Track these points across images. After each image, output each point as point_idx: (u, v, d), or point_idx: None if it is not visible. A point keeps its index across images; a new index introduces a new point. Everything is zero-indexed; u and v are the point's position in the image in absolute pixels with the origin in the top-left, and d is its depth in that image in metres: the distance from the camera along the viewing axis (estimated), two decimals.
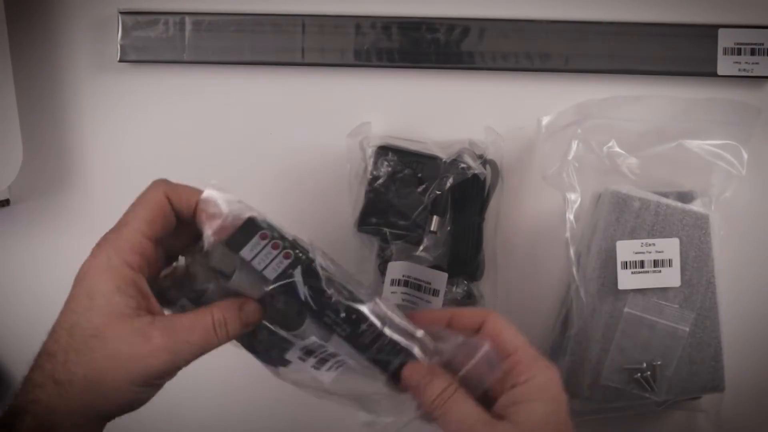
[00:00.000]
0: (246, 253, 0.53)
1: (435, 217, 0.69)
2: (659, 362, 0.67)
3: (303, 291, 0.54)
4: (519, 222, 0.73)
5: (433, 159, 0.68)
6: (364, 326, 0.55)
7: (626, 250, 0.67)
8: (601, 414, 0.69)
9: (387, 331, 0.55)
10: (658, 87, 0.72)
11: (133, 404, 0.51)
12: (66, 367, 0.49)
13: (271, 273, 0.53)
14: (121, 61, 0.72)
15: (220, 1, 0.72)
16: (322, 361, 0.55)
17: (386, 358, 0.55)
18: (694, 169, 0.69)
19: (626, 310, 0.67)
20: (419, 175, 0.68)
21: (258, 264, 0.53)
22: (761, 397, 0.73)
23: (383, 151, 0.69)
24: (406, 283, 0.69)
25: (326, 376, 0.56)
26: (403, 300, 0.69)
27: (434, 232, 0.69)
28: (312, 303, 0.54)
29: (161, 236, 0.52)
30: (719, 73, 0.71)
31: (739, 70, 0.71)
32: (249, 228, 0.53)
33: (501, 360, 0.53)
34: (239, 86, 0.73)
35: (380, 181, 0.68)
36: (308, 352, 0.55)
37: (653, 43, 0.72)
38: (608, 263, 0.67)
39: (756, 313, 0.73)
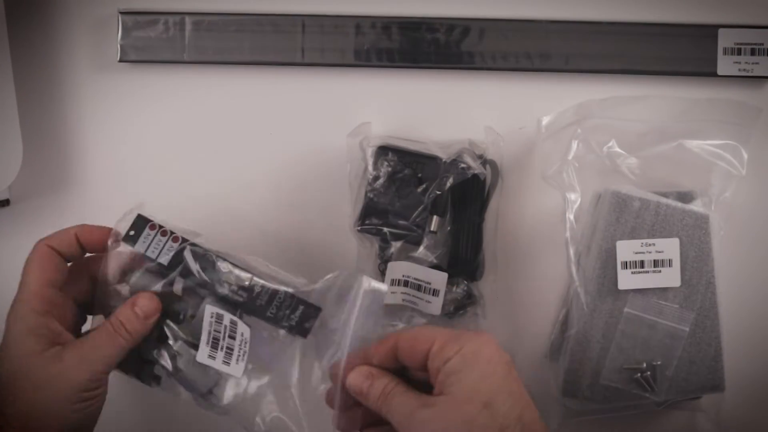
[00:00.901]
0: (140, 246, 0.59)
1: (435, 217, 0.69)
2: (659, 362, 0.67)
3: (195, 267, 0.59)
4: (519, 222, 0.73)
5: (433, 159, 0.68)
6: (258, 288, 0.59)
7: (626, 250, 0.67)
8: (601, 414, 0.69)
9: (280, 288, 0.60)
10: (658, 87, 0.72)
11: (81, 422, 0.56)
12: (2, 411, 0.54)
13: (165, 258, 0.59)
14: (121, 61, 0.72)
15: (220, 1, 0.72)
16: (229, 351, 0.59)
17: (285, 313, 0.60)
18: (694, 169, 0.69)
19: (626, 310, 0.67)
20: (419, 175, 0.68)
21: (152, 253, 0.59)
22: (761, 397, 0.73)
23: (383, 151, 0.69)
24: (406, 283, 0.69)
25: (237, 368, 0.59)
26: (403, 300, 0.69)
27: (434, 232, 0.69)
28: (205, 276, 0.59)
29: (59, 279, 0.59)
30: (719, 73, 0.71)
31: (739, 70, 0.71)
32: (139, 223, 0.60)
33: (424, 352, 0.55)
34: (239, 86, 0.73)
35: (380, 181, 0.68)
36: (214, 343, 0.58)
37: (653, 43, 0.72)
38: (608, 263, 0.67)
39: (756, 313, 0.73)
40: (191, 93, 0.73)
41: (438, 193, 0.68)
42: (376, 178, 0.68)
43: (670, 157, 0.69)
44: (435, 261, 0.69)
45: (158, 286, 0.59)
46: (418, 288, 0.69)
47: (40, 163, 0.73)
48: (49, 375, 0.54)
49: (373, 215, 0.69)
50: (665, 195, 0.68)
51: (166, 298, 0.59)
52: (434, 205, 0.68)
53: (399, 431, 0.54)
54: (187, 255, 0.59)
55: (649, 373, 0.67)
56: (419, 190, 0.68)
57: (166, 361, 0.59)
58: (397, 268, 0.69)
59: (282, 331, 0.61)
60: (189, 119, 0.73)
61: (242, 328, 0.59)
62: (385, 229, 0.68)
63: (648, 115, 0.70)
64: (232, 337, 0.59)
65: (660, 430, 0.73)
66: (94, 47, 0.73)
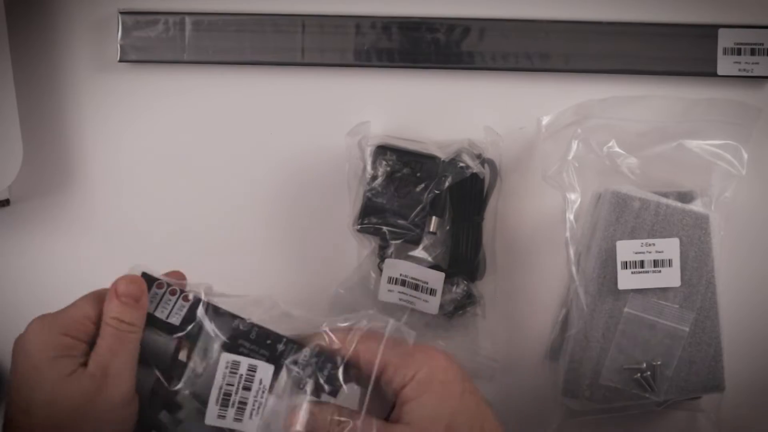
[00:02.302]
0: (149, 306, 0.55)
1: (434, 218, 0.69)
2: (659, 362, 0.67)
3: (211, 327, 0.55)
4: (519, 222, 0.73)
5: (431, 158, 0.68)
6: (281, 345, 0.55)
7: (626, 250, 0.67)
8: (601, 414, 0.69)
9: (304, 346, 0.54)
10: (658, 87, 0.72)
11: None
12: None
13: (176, 318, 0.55)
14: (121, 61, 0.72)
15: (220, 1, 0.72)
16: (241, 407, 0.54)
17: (311, 375, 0.54)
18: (694, 169, 0.69)
19: (626, 310, 0.67)
20: (418, 174, 0.68)
21: (161, 313, 0.55)
22: (761, 397, 0.73)
23: (382, 150, 0.69)
24: (403, 283, 0.69)
25: (251, 425, 0.54)
26: (400, 300, 0.69)
27: (433, 233, 0.69)
28: (222, 335, 0.54)
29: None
30: (719, 73, 0.71)
31: (739, 70, 0.71)
32: (145, 282, 0.55)
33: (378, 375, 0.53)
34: (239, 86, 0.73)
35: (379, 180, 0.68)
36: (225, 400, 0.54)
37: (653, 43, 0.72)
38: (608, 263, 0.67)
39: (756, 313, 0.73)
40: (191, 93, 0.73)
41: (437, 192, 0.68)
42: (374, 177, 0.68)
43: (670, 157, 0.69)
44: (434, 261, 0.69)
45: (170, 346, 0.55)
46: (416, 287, 0.69)
47: (40, 163, 0.73)
48: (85, 397, 0.51)
49: (372, 215, 0.69)
50: (665, 195, 0.68)
51: (174, 359, 0.55)
52: (433, 204, 0.68)
53: None
54: (201, 314, 0.55)
55: (649, 373, 0.67)
56: (418, 189, 0.68)
57: (171, 425, 0.55)
58: (394, 267, 0.69)
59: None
60: (189, 119, 0.73)
61: (262, 373, 0.54)
62: (384, 229, 0.68)
63: (648, 115, 0.70)
64: (247, 388, 0.54)
65: (660, 430, 0.73)
66: (94, 47, 0.73)
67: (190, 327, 0.55)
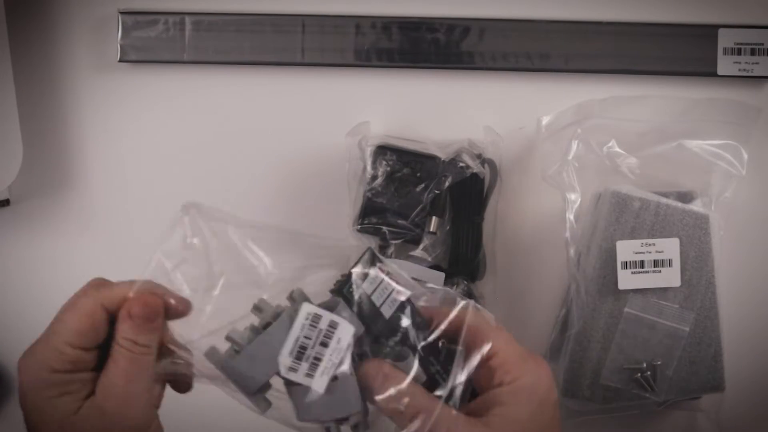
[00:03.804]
0: (367, 286, 0.51)
1: (434, 218, 0.69)
2: (659, 362, 0.67)
3: (413, 334, 0.51)
4: (519, 222, 0.73)
5: (431, 158, 0.68)
6: (457, 379, 0.51)
7: (626, 250, 0.67)
8: (601, 414, 0.69)
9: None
10: (658, 87, 0.72)
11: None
12: None
13: (387, 311, 0.51)
14: (121, 61, 0.72)
15: (220, 1, 0.72)
16: (315, 362, 0.50)
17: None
18: (694, 169, 0.69)
19: (626, 310, 0.67)
20: (418, 174, 0.68)
21: (377, 299, 0.51)
22: (761, 397, 0.73)
23: (382, 150, 0.69)
24: None
25: (320, 382, 0.49)
26: None
27: (433, 233, 0.69)
28: (420, 347, 0.51)
29: (91, 345, 0.50)
30: (719, 73, 0.71)
31: (739, 70, 0.71)
32: (369, 260, 0.51)
33: (484, 359, 0.50)
34: (239, 86, 0.73)
35: (379, 180, 0.68)
36: (300, 352, 0.50)
37: (653, 43, 0.72)
38: (608, 263, 0.67)
39: (756, 313, 0.73)
40: (191, 93, 0.73)
41: (437, 192, 0.68)
42: (374, 177, 0.68)
43: (670, 157, 0.69)
44: (434, 261, 0.69)
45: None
46: None
47: (40, 163, 0.73)
48: (98, 430, 0.49)
49: (372, 215, 0.69)
50: (665, 195, 0.68)
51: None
52: (433, 204, 0.68)
53: None
54: (406, 316, 0.51)
55: (649, 373, 0.67)
56: (418, 189, 0.68)
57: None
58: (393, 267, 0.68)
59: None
60: (189, 119, 0.73)
61: (342, 332, 0.50)
62: (384, 229, 0.69)
63: (648, 115, 0.70)
64: (324, 344, 0.49)
65: (660, 430, 0.73)
66: (94, 47, 0.73)
67: (395, 322, 0.51)
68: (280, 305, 0.51)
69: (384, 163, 0.68)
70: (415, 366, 0.50)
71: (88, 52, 0.73)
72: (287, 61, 0.72)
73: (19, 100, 0.70)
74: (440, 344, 0.52)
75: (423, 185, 0.68)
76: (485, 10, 0.72)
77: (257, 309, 0.51)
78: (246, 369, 0.49)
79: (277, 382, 0.51)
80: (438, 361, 0.52)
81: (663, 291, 0.67)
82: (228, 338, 0.50)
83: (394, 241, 0.69)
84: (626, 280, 0.67)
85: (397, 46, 0.72)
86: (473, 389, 0.51)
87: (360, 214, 0.69)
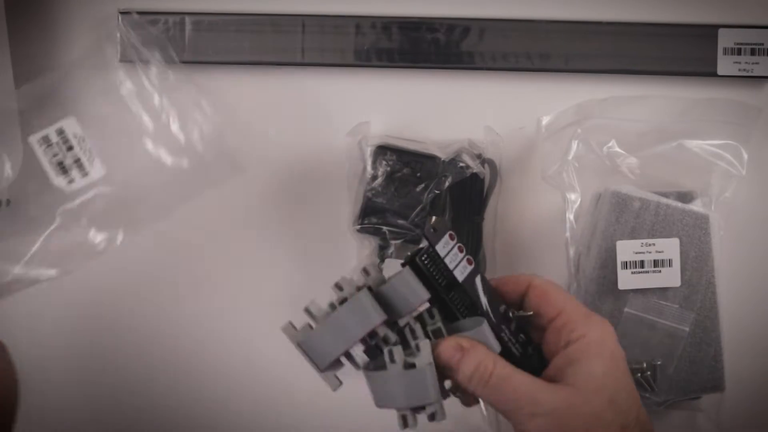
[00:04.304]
0: (440, 248, 0.52)
1: (434, 218, 0.69)
2: (659, 362, 0.67)
3: (484, 301, 0.52)
4: (519, 222, 0.73)
5: (431, 158, 0.68)
6: (530, 349, 0.53)
7: (626, 250, 0.67)
8: None
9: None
10: (658, 87, 0.72)
11: None
12: None
13: (459, 275, 0.52)
14: (121, 61, 0.72)
15: (220, 1, 0.72)
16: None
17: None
18: (694, 169, 0.69)
19: (626, 310, 0.67)
20: (418, 174, 0.68)
21: (450, 262, 0.52)
22: (761, 397, 0.73)
23: (382, 150, 0.69)
24: None
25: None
26: None
27: None
28: (492, 316, 0.52)
29: None
30: (719, 73, 0.71)
31: (739, 70, 0.71)
32: (441, 225, 0.52)
33: (549, 320, 0.52)
34: (239, 86, 0.73)
35: (379, 180, 0.68)
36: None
37: (653, 43, 0.72)
38: (608, 263, 0.67)
39: (756, 313, 0.73)
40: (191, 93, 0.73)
41: (437, 192, 0.68)
42: (374, 177, 0.68)
43: (670, 157, 0.69)
44: None
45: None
46: None
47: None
48: None
49: (372, 215, 0.69)
50: (665, 195, 0.68)
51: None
52: (433, 204, 0.68)
53: (508, 416, 0.50)
54: (478, 283, 0.52)
55: (649, 373, 0.67)
56: (418, 189, 0.68)
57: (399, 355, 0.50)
58: (394, 267, 0.68)
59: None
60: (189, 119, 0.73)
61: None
62: (384, 229, 0.69)
63: (648, 115, 0.70)
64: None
65: (660, 430, 0.73)
66: (94, 47, 0.73)
67: (467, 286, 0.52)
68: (360, 284, 0.52)
69: (384, 163, 0.68)
70: (489, 334, 0.51)
71: (88, 52, 0.73)
72: (287, 61, 0.72)
73: (19, 100, 0.70)
74: (511, 313, 0.53)
75: (423, 185, 0.68)
76: (485, 10, 0.72)
77: (338, 287, 0.52)
78: (318, 345, 0.50)
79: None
80: (510, 330, 0.53)
81: (663, 291, 0.67)
82: (306, 311, 0.51)
83: (394, 241, 0.69)
84: (626, 280, 0.67)
85: (397, 46, 0.72)
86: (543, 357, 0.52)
87: (360, 214, 0.69)
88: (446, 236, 0.52)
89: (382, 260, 0.69)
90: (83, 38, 0.73)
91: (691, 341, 0.67)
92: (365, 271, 0.52)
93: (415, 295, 0.51)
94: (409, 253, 0.52)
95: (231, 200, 0.73)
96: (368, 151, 0.69)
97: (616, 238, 0.67)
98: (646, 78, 0.72)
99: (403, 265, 0.52)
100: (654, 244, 0.66)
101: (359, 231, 0.69)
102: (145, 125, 0.72)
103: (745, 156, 0.69)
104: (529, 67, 0.72)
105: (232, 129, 0.73)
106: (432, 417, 0.50)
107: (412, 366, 0.50)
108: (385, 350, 0.50)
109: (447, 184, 0.68)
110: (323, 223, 0.72)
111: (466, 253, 0.53)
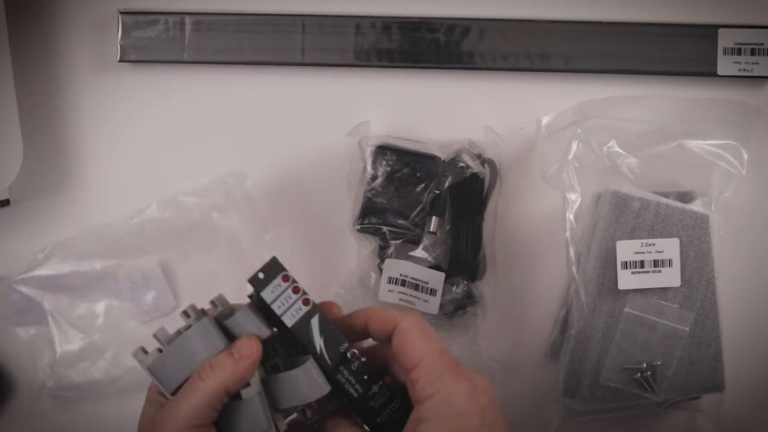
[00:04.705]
0: (267, 294, 0.52)
1: (434, 218, 0.69)
2: (659, 362, 0.67)
3: (319, 343, 0.52)
4: (519, 222, 0.73)
5: (431, 158, 0.68)
6: (375, 387, 0.52)
7: (626, 250, 0.67)
8: (601, 414, 0.69)
9: (396, 395, 0.52)
10: (658, 87, 0.72)
11: None
12: None
13: (289, 319, 0.52)
14: (121, 61, 0.72)
15: (220, 1, 0.72)
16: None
17: (393, 423, 0.52)
18: (694, 169, 0.69)
19: (626, 310, 0.67)
20: (418, 174, 0.68)
21: (278, 308, 0.52)
22: (761, 397, 0.73)
23: (382, 150, 0.69)
24: (403, 283, 0.69)
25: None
26: (400, 300, 0.69)
27: (433, 233, 0.69)
28: (327, 358, 0.52)
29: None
30: (719, 73, 0.71)
31: (739, 70, 0.71)
32: (272, 268, 0.52)
33: (408, 370, 0.51)
34: (239, 86, 0.73)
35: (379, 180, 0.68)
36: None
37: (653, 43, 0.72)
38: (608, 263, 0.67)
39: (756, 313, 0.73)
40: (191, 93, 0.73)
41: (437, 192, 0.68)
42: (374, 177, 0.68)
43: (670, 157, 0.69)
44: (434, 261, 0.69)
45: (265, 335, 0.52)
46: (416, 287, 0.69)
47: (40, 163, 0.73)
48: None
49: (372, 215, 0.69)
50: (665, 195, 0.68)
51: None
52: (433, 204, 0.68)
53: None
54: (314, 324, 0.52)
55: (649, 373, 0.67)
56: (418, 189, 0.68)
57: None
58: (394, 267, 0.69)
59: None
60: (189, 119, 0.73)
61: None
62: (384, 229, 0.69)
63: (648, 115, 0.70)
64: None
65: (660, 430, 0.73)
66: (94, 47, 0.73)
67: (299, 330, 0.51)
68: (206, 311, 0.53)
69: (384, 163, 0.68)
70: (316, 374, 0.51)
71: (88, 52, 0.73)
72: (287, 61, 0.72)
73: (19, 100, 0.70)
74: (349, 354, 0.52)
75: (423, 185, 0.68)
76: (485, 10, 0.72)
77: (185, 314, 0.53)
78: (167, 369, 0.51)
79: None
80: (350, 370, 0.52)
81: (663, 291, 0.67)
82: (154, 336, 0.52)
83: (394, 241, 0.69)
84: (626, 280, 0.67)
85: (397, 46, 0.72)
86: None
87: (360, 214, 0.69)
88: (278, 279, 0.52)
89: (382, 260, 0.69)
90: (83, 38, 0.73)
91: (691, 341, 0.67)
92: (185, 313, 0.53)
93: (258, 330, 0.52)
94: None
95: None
96: (368, 151, 0.69)
97: (616, 238, 0.67)
98: (646, 78, 0.72)
99: (249, 297, 0.53)
100: (654, 244, 0.66)
101: (359, 231, 0.69)
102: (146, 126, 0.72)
103: (745, 156, 0.69)
104: (529, 67, 0.72)
105: (232, 129, 0.74)
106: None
107: (239, 397, 0.51)
108: None
109: (447, 184, 0.68)
110: (323, 223, 0.72)
111: (303, 294, 0.52)
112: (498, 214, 0.71)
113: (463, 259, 0.69)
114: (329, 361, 0.52)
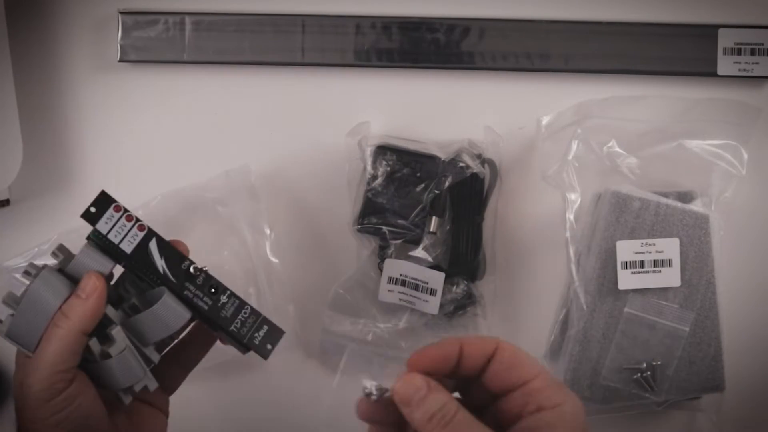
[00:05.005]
0: (102, 226, 0.53)
1: (434, 218, 0.69)
2: (659, 362, 0.67)
3: (160, 263, 0.54)
4: (519, 222, 0.73)
5: (431, 158, 0.68)
6: (224, 297, 0.54)
7: (626, 250, 0.67)
8: (601, 414, 0.69)
9: (247, 301, 0.55)
10: (658, 87, 0.72)
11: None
12: None
13: (127, 246, 0.53)
14: (121, 61, 0.72)
15: (220, 1, 0.72)
16: None
17: (249, 330, 0.55)
18: (694, 169, 0.69)
19: (626, 310, 0.67)
20: (418, 174, 0.68)
21: (114, 237, 0.53)
22: (761, 397, 0.73)
23: (382, 150, 0.69)
24: (403, 283, 0.69)
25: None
26: (400, 300, 0.69)
27: (433, 233, 0.69)
28: (172, 277, 0.54)
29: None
30: (719, 73, 0.71)
31: (739, 70, 0.71)
32: (102, 201, 0.54)
33: (522, 383, 0.49)
34: (239, 86, 0.73)
35: (379, 180, 0.68)
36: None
37: (653, 43, 0.72)
38: (608, 263, 0.67)
39: (756, 313, 0.73)
40: (191, 93, 0.73)
41: (437, 192, 0.68)
42: (374, 177, 0.68)
43: (670, 157, 0.69)
44: (434, 261, 0.69)
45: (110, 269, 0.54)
46: (416, 287, 0.69)
47: (40, 163, 0.73)
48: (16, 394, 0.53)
49: (372, 215, 0.69)
50: (665, 195, 0.68)
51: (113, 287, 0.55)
52: (433, 204, 0.68)
53: None
54: (153, 247, 0.54)
55: (649, 373, 0.67)
56: (418, 189, 0.68)
57: (96, 347, 0.52)
58: (394, 267, 0.69)
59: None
60: (189, 119, 0.73)
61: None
62: (384, 229, 0.69)
63: (648, 115, 0.70)
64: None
65: (660, 430, 0.73)
66: (94, 47, 0.73)
67: (140, 255, 0.53)
68: (44, 265, 0.54)
69: (384, 163, 0.68)
70: (171, 301, 0.53)
71: (88, 52, 0.73)
72: (287, 61, 0.72)
73: (19, 100, 0.70)
74: (192, 270, 0.54)
75: (423, 185, 0.68)
76: (485, 10, 0.72)
77: (26, 273, 0.53)
78: (22, 328, 0.52)
79: None
80: (196, 285, 0.54)
81: (663, 291, 0.67)
82: (3, 302, 0.53)
83: (394, 241, 0.69)
84: (626, 280, 0.67)
85: (397, 46, 0.72)
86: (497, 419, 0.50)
87: (360, 214, 0.69)
88: (110, 210, 0.54)
89: (382, 260, 0.69)
90: (83, 38, 0.73)
91: (691, 341, 0.67)
92: (26, 273, 0.53)
93: (100, 266, 0.53)
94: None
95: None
96: (368, 151, 0.69)
97: (616, 238, 0.67)
98: (646, 78, 0.72)
99: (87, 238, 0.54)
100: (654, 244, 0.66)
101: (359, 231, 0.69)
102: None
103: (745, 156, 0.69)
104: (529, 67, 0.72)
105: (232, 129, 0.73)
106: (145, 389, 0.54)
107: (109, 356, 0.52)
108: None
109: (447, 184, 0.68)
110: (323, 223, 0.72)
111: (137, 221, 0.54)
112: (498, 214, 0.71)
113: (463, 259, 0.69)
114: (174, 279, 0.54)
